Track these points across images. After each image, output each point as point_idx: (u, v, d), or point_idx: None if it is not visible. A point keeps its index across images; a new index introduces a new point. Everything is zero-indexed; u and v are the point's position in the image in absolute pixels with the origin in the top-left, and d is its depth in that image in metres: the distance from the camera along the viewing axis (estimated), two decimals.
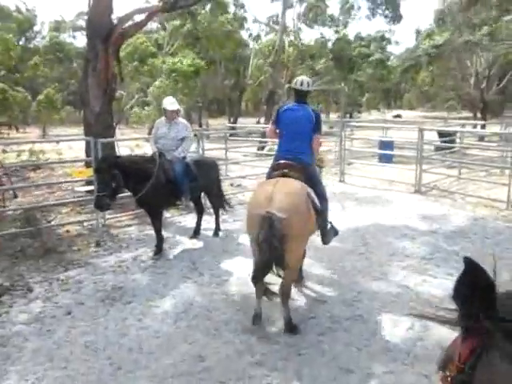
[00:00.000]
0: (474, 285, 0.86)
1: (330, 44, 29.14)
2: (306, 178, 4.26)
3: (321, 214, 4.28)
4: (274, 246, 3.52)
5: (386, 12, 26.42)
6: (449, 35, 21.50)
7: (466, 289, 0.87)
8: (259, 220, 3.61)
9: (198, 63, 20.52)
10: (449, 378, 0.94)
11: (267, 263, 3.63)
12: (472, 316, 0.87)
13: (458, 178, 10.78)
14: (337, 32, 25.46)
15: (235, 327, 4.03)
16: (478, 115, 22.46)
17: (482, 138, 16.93)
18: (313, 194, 4.17)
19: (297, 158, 4.29)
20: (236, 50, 23.47)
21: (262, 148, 15.36)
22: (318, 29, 25.01)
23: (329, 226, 4.61)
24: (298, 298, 4.55)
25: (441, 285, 4.62)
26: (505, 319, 0.82)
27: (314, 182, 4.35)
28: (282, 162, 4.31)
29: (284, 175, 4.19)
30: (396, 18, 27.09)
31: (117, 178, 5.36)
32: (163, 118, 6.28)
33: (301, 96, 4.57)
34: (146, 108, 20.63)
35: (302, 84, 4.54)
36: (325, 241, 4.59)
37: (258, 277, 3.74)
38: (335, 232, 4.76)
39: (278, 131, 4.65)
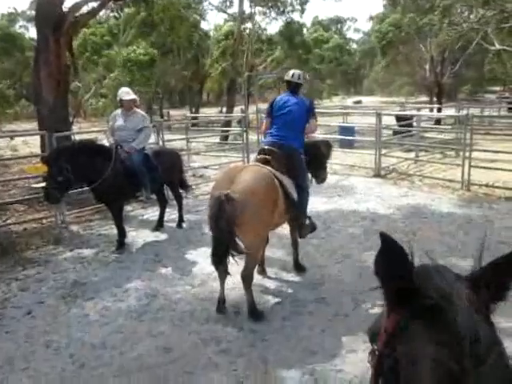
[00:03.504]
0: (390, 260, 0.89)
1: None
2: (289, 166, 4.31)
3: (295, 205, 4.32)
4: (221, 227, 3.62)
5: None
6: (396, 21, 21.91)
7: (384, 265, 0.90)
8: (213, 201, 3.68)
9: (151, 52, 20.08)
10: (377, 352, 0.97)
11: (217, 244, 3.74)
12: (392, 291, 0.90)
13: (416, 160, 11.11)
14: (286, 14, 25.08)
15: (200, 317, 4.04)
16: (434, 99, 23.12)
17: (438, 122, 17.47)
18: (288, 184, 4.20)
19: (282, 145, 4.36)
20: (191, 36, 23.00)
21: (225, 138, 15.29)
22: (269, 13, 24.46)
23: (307, 221, 4.68)
24: (262, 284, 4.59)
25: None
26: (420, 291, 0.85)
27: (296, 172, 4.40)
28: (267, 147, 4.41)
29: (266, 161, 4.25)
30: None
31: (65, 171, 5.20)
32: (120, 110, 6.14)
33: (293, 87, 4.70)
34: (102, 100, 20.06)
35: (293, 76, 4.71)
36: (301, 234, 4.68)
37: (214, 259, 3.81)
38: (313, 227, 4.83)
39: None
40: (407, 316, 0.87)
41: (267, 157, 4.33)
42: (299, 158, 4.48)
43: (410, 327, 0.85)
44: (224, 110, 22.21)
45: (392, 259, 0.88)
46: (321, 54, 33.20)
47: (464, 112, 14.16)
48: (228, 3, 23.38)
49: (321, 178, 5.22)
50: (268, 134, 4.63)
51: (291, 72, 4.80)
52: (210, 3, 24.04)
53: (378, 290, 0.96)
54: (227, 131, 15.32)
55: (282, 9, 23.32)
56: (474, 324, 0.80)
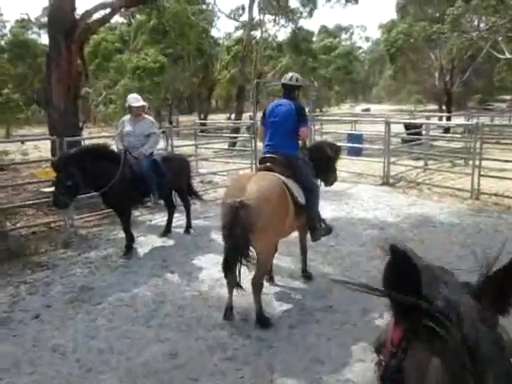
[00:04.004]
0: (399, 272, 0.87)
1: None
2: (291, 171, 4.32)
3: (306, 209, 4.34)
4: (236, 235, 3.61)
5: None
6: (405, 29, 21.88)
7: (393, 276, 0.89)
8: (227, 208, 3.65)
9: (161, 59, 20.26)
10: (383, 363, 0.96)
11: (231, 252, 3.72)
12: (401, 302, 0.89)
13: (425, 169, 11.05)
14: (294, 22, 25.07)
15: (207, 323, 4.03)
16: (444, 108, 23.03)
17: (447, 130, 17.40)
18: (294, 188, 4.21)
19: (279, 153, 4.38)
20: (200, 43, 23.19)
21: (233, 144, 15.33)
22: (278, 20, 24.52)
23: (322, 224, 4.66)
24: (269, 292, 4.58)
25: None
26: (430, 303, 0.84)
27: (300, 175, 4.39)
28: (267, 156, 4.45)
29: (267, 169, 4.28)
30: None
31: (74, 176, 5.24)
32: (128, 116, 6.19)
33: (289, 91, 4.66)
34: (111, 106, 20.25)
35: (290, 79, 4.67)
36: (313, 237, 4.66)
37: (226, 268, 3.78)
38: (328, 230, 4.82)
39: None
40: (414, 327, 0.86)
41: (268, 164, 4.35)
42: (298, 163, 4.47)
43: (416, 338, 0.85)
44: (233, 116, 22.29)
45: (401, 273, 0.87)
46: (328, 60, 33.23)
47: (474, 121, 14.10)
48: (240, 11, 23.57)
49: (330, 181, 5.23)
50: (264, 143, 4.64)
51: (289, 75, 4.78)
52: (219, 10, 24.27)
53: (385, 299, 0.96)
54: (235, 138, 15.37)
55: (290, 16, 23.43)
56: (480, 336, 0.79)
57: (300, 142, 4.70)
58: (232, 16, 24.37)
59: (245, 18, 22.09)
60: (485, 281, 0.88)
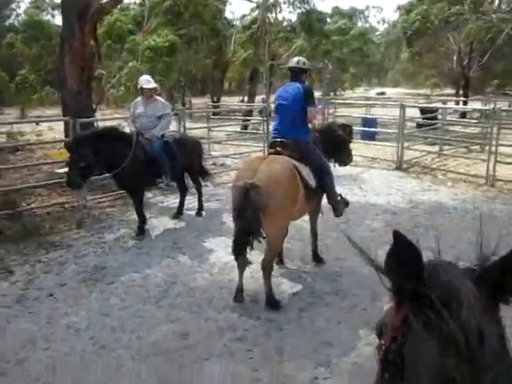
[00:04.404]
0: (402, 258, 0.88)
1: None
2: (301, 155, 4.31)
3: (322, 189, 4.45)
4: (247, 216, 3.62)
5: None
6: (423, 11, 21.35)
7: (395, 262, 0.89)
8: (238, 190, 3.66)
9: (173, 39, 20.05)
10: (383, 347, 0.96)
11: (242, 234, 3.73)
12: (402, 288, 0.89)
13: (439, 154, 10.90)
14: (308, 3, 24.66)
15: (217, 305, 4.07)
16: (461, 92, 22.57)
17: (463, 115, 17.08)
18: (305, 172, 4.21)
19: (288, 137, 4.37)
20: (214, 23, 22.92)
21: (246, 127, 15.26)
22: (292, 1, 24.18)
23: (338, 198, 4.71)
24: (279, 275, 4.60)
25: None
26: (430, 290, 0.84)
27: (310, 158, 4.39)
28: (277, 140, 4.45)
29: (278, 153, 4.29)
30: None
31: (87, 158, 5.27)
32: (140, 98, 6.19)
33: (297, 74, 4.64)
34: (122, 88, 20.20)
35: (297, 62, 4.65)
36: (336, 213, 4.73)
37: (236, 249, 3.80)
38: (346, 204, 4.89)
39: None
40: (415, 312, 0.86)
41: (279, 149, 4.35)
42: (307, 146, 4.45)
43: (417, 323, 0.85)
44: (245, 99, 22.14)
45: (404, 259, 0.87)
46: (342, 41, 32.67)
47: (491, 106, 13.81)
48: None
49: (344, 161, 5.26)
50: (272, 127, 4.68)
51: (295, 59, 4.78)
52: None
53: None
54: (248, 121, 15.28)
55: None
56: (481, 323, 0.79)
57: (310, 125, 4.67)
58: None
59: None
60: (486, 269, 0.88)
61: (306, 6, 24.56)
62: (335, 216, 4.79)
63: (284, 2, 24.09)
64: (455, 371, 0.75)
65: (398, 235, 0.87)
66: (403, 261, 0.87)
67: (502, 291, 0.86)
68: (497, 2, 19.76)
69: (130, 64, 19.49)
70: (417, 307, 0.86)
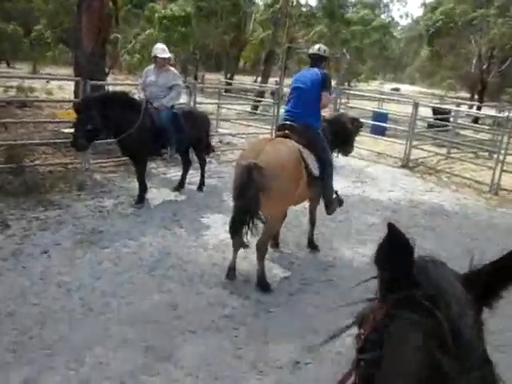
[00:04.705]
0: (393, 250, 0.87)
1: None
2: (308, 141, 4.29)
3: (321, 180, 4.36)
4: (247, 195, 3.63)
5: None
6: (447, 11, 20.98)
7: (386, 254, 0.89)
8: (241, 169, 3.67)
9: (189, 10, 19.73)
10: (362, 336, 0.97)
11: (240, 213, 3.74)
12: (389, 280, 0.89)
13: (447, 156, 10.83)
14: None
15: (209, 280, 4.10)
16: (476, 97, 22.33)
17: (475, 120, 16.92)
18: (310, 159, 4.19)
19: (299, 121, 4.35)
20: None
21: (256, 108, 15.15)
22: None
23: (334, 195, 4.67)
24: (273, 258, 4.62)
25: None
26: (419, 284, 0.84)
27: (316, 146, 4.36)
28: (286, 123, 4.42)
29: (285, 136, 4.27)
30: None
31: (94, 120, 5.24)
32: (152, 66, 6.13)
33: (315, 61, 4.61)
34: (136, 55, 19.99)
35: (319, 49, 4.63)
36: (328, 210, 4.67)
37: (233, 227, 3.81)
38: (340, 202, 4.84)
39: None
40: (399, 305, 0.86)
41: (287, 132, 4.33)
42: (316, 134, 4.42)
43: (400, 316, 0.85)
44: (259, 79, 21.93)
45: (395, 251, 0.87)
46: (362, 32, 32.17)
47: (505, 114, 13.66)
48: None
49: (346, 152, 5.28)
50: (285, 110, 4.63)
51: (317, 46, 4.75)
52: None
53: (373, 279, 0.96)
54: (259, 101, 15.16)
55: None
56: (466, 321, 0.79)
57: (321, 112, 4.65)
58: None
59: None
60: (474, 272, 0.88)
61: None
62: (327, 213, 4.73)
63: None
64: (440, 363, 0.75)
65: (392, 227, 0.87)
66: (394, 253, 0.87)
67: (487, 295, 0.87)
68: None
69: (147, 32, 19.25)
70: (402, 300, 0.86)
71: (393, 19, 35.17)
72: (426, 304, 0.81)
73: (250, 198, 3.63)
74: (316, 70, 4.49)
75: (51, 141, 7.89)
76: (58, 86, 15.90)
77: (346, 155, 5.49)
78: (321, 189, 4.52)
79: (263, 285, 3.99)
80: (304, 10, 26.46)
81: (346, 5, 29.43)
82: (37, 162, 7.06)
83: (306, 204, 4.94)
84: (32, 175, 6.40)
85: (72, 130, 5.74)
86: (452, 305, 0.80)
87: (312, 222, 4.94)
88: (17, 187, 5.86)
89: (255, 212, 3.72)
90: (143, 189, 5.89)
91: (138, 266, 4.26)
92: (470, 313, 0.81)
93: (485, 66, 21.57)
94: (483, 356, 0.79)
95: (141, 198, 5.83)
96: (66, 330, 3.22)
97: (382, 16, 32.35)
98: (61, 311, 3.45)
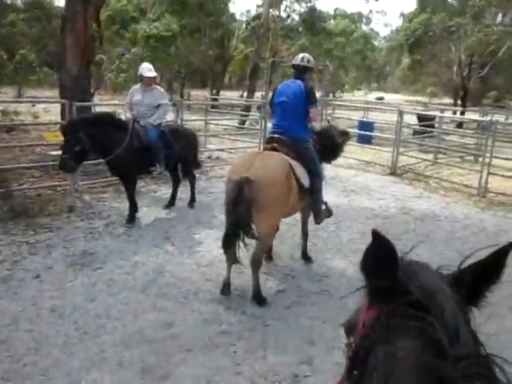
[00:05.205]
0: (378, 257, 0.88)
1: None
2: (297, 154, 4.30)
3: (310, 192, 4.36)
4: (240, 210, 3.63)
5: None
6: (425, 20, 21.44)
7: (372, 261, 0.90)
8: (232, 184, 3.68)
9: (174, 28, 19.87)
10: (353, 344, 0.97)
11: (233, 228, 3.74)
12: (377, 286, 0.90)
13: (434, 162, 10.96)
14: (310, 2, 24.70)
15: (203, 297, 4.08)
16: (459, 102, 22.69)
17: (460, 125, 17.17)
18: (299, 171, 4.20)
19: (287, 134, 4.35)
20: (219, 15, 22.80)
21: (243, 122, 15.23)
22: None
23: (323, 206, 4.67)
24: (267, 271, 4.61)
25: None
26: (406, 289, 0.85)
27: (305, 158, 4.37)
28: (274, 136, 4.42)
29: (274, 149, 4.28)
30: None
31: (82, 142, 5.24)
32: (138, 85, 6.16)
33: (300, 72, 4.60)
34: (121, 75, 20.03)
35: (302, 60, 4.61)
36: (317, 220, 4.67)
37: (226, 243, 3.81)
38: (329, 213, 4.84)
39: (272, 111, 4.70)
40: (388, 311, 0.86)
41: (275, 145, 4.34)
42: (305, 146, 4.43)
43: (390, 322, 0.85)
44: (245, 94, 22.08)
45: (380, 257, 0.88)
46: (344, 43, 32.66)
47: (488, 118, 13.90)
48: None
49: (330, 160, 5.26)
50: (272, 124, 4.63)
51: (300, 55, 4.72)
52: None
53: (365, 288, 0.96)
54: (246, 116, 15.25)
55: None
56: (457, 323, 0.80)
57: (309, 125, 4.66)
58: None
59: None
60: (461, 272, 0.90)
61: (308, 3, 24.63)
62: (316, 223, 4.73)
63: None
64: (433, 368, 0.75)
65: (376, 234, 0.88)
66: (379, 259, 0.88)
67: (474, 295, 0.88)
68: (500, 15, 19.84)
69: (133, 50, 19.32)
70: (392, 306, 0.86)
71: (373, 30, 35.79)
72: (416, 310, 0.81)
73: (243, 212, 3.64)
74: (299, 82, 4.47)
75: (39, 164, 7.84)
76: (44, 109, 15.85)
77: (330, 163, 5.44)
78: (310, 200, 4.53)
79: (259, 298, 3.98)
80: (286, 23, 26.79)
81: (326, 17, 29.90)
82: (25, 185, 7.00)
83: (298, 216, 4.96)
84: (20, 199, 6.34)
85: (59, 152, 5.72)
86: (443, 308, 0.80)
87: (305, 234, 4.95)
88: (5, 212, 5.80)
89: (247, 226, 3.71)
90: (134, 208, 5.87)
91: (132, 286, 4.22)
92: (461, 314, 0.82)
93: (465, 73, 21.97)
94: (480, 355, 0.79)
95: (131, 218, 5.80)
96: (61, 355, 3.17)
97: (363, 27, 32.90)
98: (55, 336, 3.39)
